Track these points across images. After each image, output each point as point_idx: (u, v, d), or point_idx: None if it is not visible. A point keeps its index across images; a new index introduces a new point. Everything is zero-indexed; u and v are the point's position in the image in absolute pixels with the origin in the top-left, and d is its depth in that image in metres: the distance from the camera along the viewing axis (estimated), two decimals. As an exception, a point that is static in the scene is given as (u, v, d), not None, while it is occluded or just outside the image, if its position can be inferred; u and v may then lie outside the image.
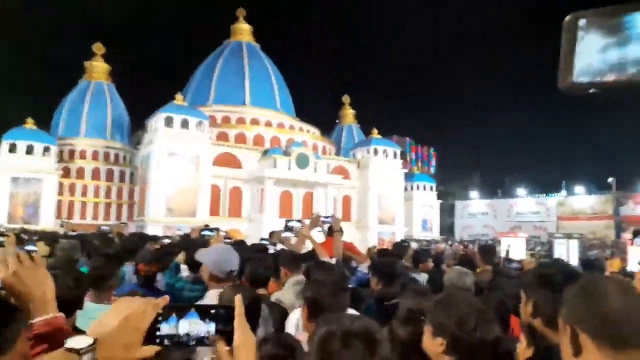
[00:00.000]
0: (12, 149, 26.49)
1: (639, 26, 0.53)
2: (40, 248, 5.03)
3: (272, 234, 8.26)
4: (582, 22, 0.58)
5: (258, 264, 3.43)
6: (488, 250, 5.94)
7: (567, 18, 0.60)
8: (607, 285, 1.13)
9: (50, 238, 6.91)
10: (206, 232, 6.53)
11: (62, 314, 1.30)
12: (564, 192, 47.03)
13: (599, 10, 0.58)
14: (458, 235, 48.27)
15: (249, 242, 6.88)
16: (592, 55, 0.56)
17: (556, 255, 18.42)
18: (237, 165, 29.96)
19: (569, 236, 22.05)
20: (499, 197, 51.29)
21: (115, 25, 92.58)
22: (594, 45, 0.56)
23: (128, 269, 4.43)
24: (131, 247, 5.17)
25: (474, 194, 53.78)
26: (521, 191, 50.27)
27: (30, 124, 27.61)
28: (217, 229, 6.82)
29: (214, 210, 28.01)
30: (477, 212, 50.29)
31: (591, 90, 0.58)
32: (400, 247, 6.72)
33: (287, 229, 6.56)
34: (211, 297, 2.84)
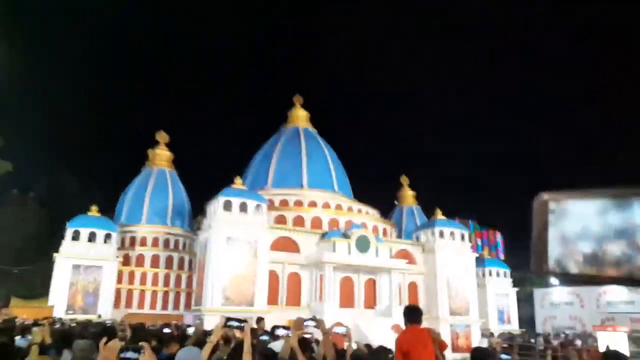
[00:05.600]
0: (76, 236, 26.85)
1: (618, 215, 0.46)
2: (35, 335, 4.82)
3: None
4: (552, 205, 0.53)
5: None
6: None
7: (538, 200, 0.54)
8: None
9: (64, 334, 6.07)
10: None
11: None
12: (662, 278, 41.37)
13: (571, 193, 0.52)
14: (540, 327, 43.19)
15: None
16: (564, 243, 0.51)
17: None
18: (295, 249, 28.65)
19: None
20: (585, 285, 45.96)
21: (177, 113, 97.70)
22: (566, 231, 0.51)
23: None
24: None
25: (554, 280, 48.77)
26: (609, 277, 45.00)
27: (94, 212, 28.14)
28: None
29: (272, 299, 26.37)
30: (560, 302, 45.13)
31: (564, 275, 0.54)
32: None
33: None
34: None
